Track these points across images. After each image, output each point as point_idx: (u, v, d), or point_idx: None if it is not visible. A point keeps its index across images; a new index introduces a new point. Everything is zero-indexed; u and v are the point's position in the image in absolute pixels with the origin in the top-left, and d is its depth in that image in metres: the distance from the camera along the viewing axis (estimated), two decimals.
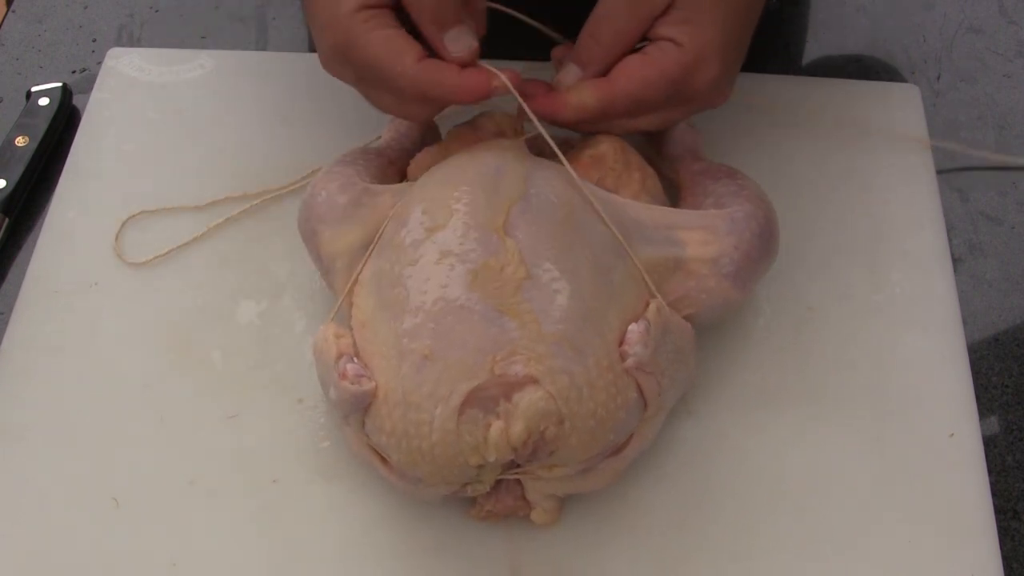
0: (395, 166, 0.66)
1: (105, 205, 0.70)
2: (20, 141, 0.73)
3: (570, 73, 0.62)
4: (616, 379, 0.54)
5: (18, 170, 0.72)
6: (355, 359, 0.56)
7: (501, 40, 0.80)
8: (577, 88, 0.61)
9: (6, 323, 0.66)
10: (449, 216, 0.57)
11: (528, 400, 0.53)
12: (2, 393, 0.63)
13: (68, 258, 0.68)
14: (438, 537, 0.58)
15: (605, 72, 0.61)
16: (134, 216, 0.69)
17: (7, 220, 0.71)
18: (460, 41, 0.58)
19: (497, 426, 0.53)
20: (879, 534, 0.59)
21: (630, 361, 0.55)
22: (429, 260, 0.56)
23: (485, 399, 0.53)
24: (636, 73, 0.60)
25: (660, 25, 0.60)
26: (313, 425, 0.62)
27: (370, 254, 0.59)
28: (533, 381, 0.53)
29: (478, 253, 0.55)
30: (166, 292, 0.67)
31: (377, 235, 0.60)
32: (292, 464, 0.61)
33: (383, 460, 0.56)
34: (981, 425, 0.63)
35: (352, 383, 0.55)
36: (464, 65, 0.59)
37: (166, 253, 0.68)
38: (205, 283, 0.67)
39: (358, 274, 0.59)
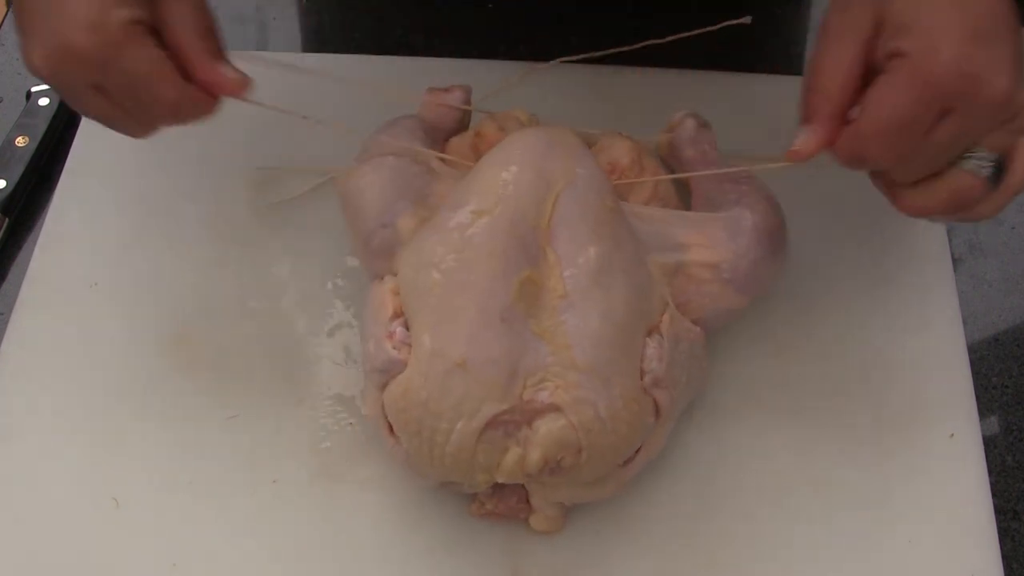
0: (437, 146, 0.65)
1: (105, 205, 0.70)
2: (20, 141, 0.73)
3: (804, 135, 0.55)
4: (639, 408, 0.54)
5: (18, 170, 0.72)
6: (406, 327, 0.55)
7: (502, 40, 0.80)
8: (808, 144, 0.54)
9: (6, 323, 0.66)
10: (496, 203, 0.55)
11: (547, 429, 0.52)
12: (2, 393, 0.63)
13: (68, 258, 0.68)
14: (439, 539, 0.58)
15: (838, 120, 0.54)
16: (134, 216, 0.69)
17: (7, 220, 0.71)
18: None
19: (514, 452, 0.53)
20: (879, 534, 0.59)
21: (647, 379, 0.55)
22: (473, 257, 0.54)
23: (507, 423, 0.53)
24: (877, 105, 0.52)
25: (877, 48, 0.53)
26: (313, 425, 0.62)
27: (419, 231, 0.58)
28: (556, 409, 0.52)
29: (522, 261, 0.54)
30: (166, 292, 0.67)
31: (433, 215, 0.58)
32: (292, 464, 0.61)
33: (391, 430, 0.56)
34: (981, 425, 0.63)
35: (395, 347, 0.55)
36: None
37: (166, 253, 0.68)
38: (205, 283, 0.67)
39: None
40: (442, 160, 0.63)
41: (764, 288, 0.61)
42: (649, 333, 0.56)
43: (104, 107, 0.55)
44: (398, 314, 0.56)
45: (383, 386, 0.55)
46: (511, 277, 0.54)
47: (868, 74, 0.54)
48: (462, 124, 0.66)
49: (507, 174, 0.56)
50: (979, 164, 0.53)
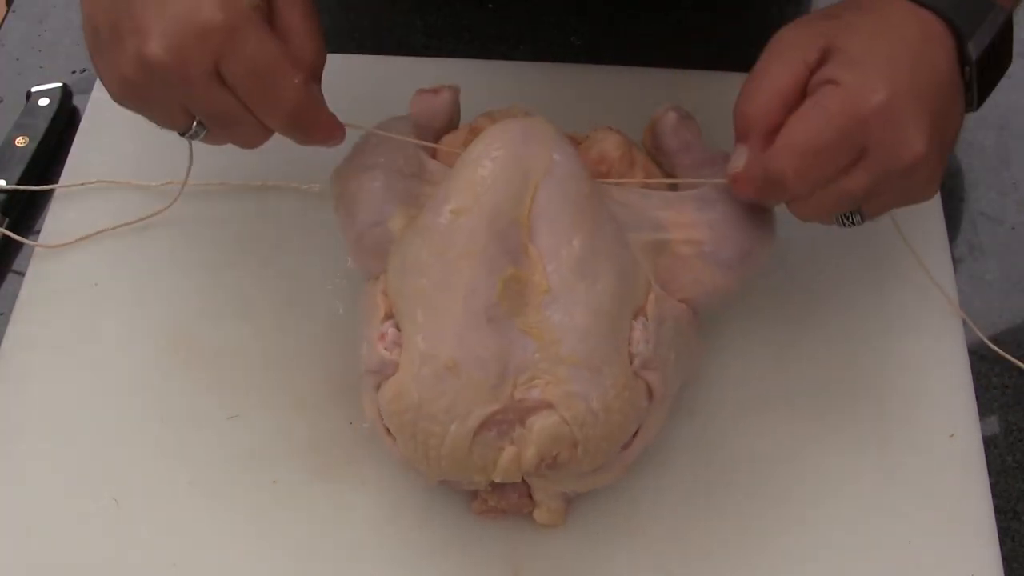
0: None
1: (105, 205, 0.70)
2: (20, 141, 0.73)
3: (737, 154, 0.56)
4: (631, 395, 0.54)
5: (18, 170, 0.72)
6: (398, 327, 0.55)
7: (502, 40, 0.81)
8: (746, 165, 0.56)
9: (6, 323, 0.66)
10: (474, 201, 0.55)
11: (541, 425, 0.52)
12: (2, 393, 0.63)
13: (68, 258, 0.68)
14: (439, 537, 0.58)
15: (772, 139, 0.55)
16: (134, 216, 0.69)
17: (7, 220, 0.71)
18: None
19: (509, 451, 0.53)
20: (879, 534, 0.59)
21: (636, 362, 0.55)
22: (455, 256, 0.54)
23: (501, 423, 0.53)
24: (798, 124, 0.53)
25: (817, 74, 0.54)
26: (313, 425, 0.62)
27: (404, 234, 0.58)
28: (548, 406, 0.53)
29: (504, 258, 0.54)
30: (166, 292, 0.67)
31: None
32: (292, 464, 0.61)
33: (388, 432, 0.56)
34: (981, 425, 0.63)
35: (386, 348, 0.55)
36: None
37: (166, 253, 0.68)
38: (205, 283, 0.67)
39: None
40: (435, 154, 0.63)
41: (748, 266, 0.60)
42: (635, 316, 0.56)
43: (220, 100, 0.53)
44: (389, 315, 0.56)
45: (377, 387, 0.55)
46: (494, 275, 0.54)
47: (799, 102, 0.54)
48: (452, 123, 0.66)
49: (483, 170, 0.56)
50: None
